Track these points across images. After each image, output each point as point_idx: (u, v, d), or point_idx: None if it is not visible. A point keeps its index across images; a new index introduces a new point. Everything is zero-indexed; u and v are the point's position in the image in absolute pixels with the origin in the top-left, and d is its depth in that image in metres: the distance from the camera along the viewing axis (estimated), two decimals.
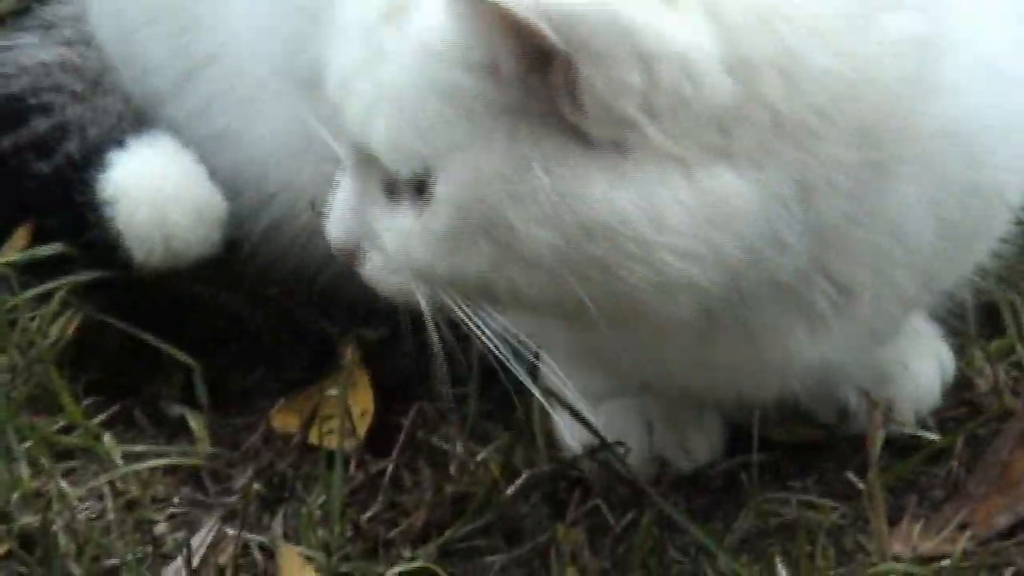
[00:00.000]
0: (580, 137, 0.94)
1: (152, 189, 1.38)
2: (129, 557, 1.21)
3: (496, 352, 1.10)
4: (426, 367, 1.28)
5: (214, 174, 1.38)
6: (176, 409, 1.41)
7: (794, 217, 0.99)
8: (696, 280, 0.99)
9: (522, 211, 0.95)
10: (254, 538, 1.25)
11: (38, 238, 1.41)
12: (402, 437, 1.30)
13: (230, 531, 1.26)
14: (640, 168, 0.95)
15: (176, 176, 1.39)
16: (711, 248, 0.98)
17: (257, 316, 1.44)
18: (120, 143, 1.40)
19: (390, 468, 1.30)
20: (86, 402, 1.38)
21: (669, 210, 0.95)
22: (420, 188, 0.98)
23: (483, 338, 1.09)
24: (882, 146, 1.02)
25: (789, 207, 0.99)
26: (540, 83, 0.92)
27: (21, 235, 1.41)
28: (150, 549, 1.24)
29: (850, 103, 0.98)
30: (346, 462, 1.29)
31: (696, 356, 1.12)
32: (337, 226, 1.05)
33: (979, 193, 1.12)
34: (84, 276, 1.40)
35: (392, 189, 1.00)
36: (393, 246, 1.02)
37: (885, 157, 1.02)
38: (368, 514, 1.26)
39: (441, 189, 0.96)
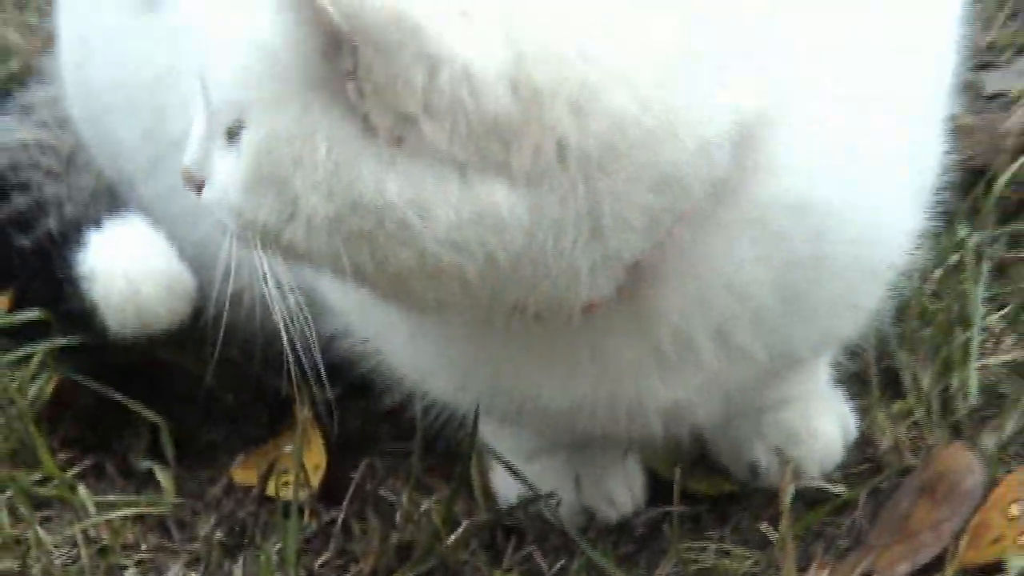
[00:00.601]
0: (362, 120, 0.97)
1: (126, 267, 1.42)
2: None
3: (281, 313, 1.13)
4: (375, 425, 1.38)
5: (182, 250, 1.42)
6: (144, 463, 1.45)
7: (581, 245, 1.01)
8: (463, 273, 1.03)
9: (303, 176, 0.98)
10: None
11: (19, 304, 1.47)
12: (352, 489, 1.34)
13: None
14: (413, 161, 0.97)
15: (148, 254, 1.44)
16: (480, 248, 1.01)
17: (219, 377, 1.46)
18: (96, 222, 1.45)
19: (341, 518, 1.33)
20: (62, 456, 1.44)
21: (438, 205, 0.98)
22: (237, 135, 1.02)
23: (271, 295, 1.13)
24: (692, 200, 1.02)
25: (570, 234, 1.01)
26: (332, 63, 0.95)
27: (2, 301, 1.48)
28: None
29: (648, 151, 0.99)
30: (300, 512, 1.33)
31: (566, 388, 1.15)
32: (188, 154, 1.09)
33: (829, 267, 1.14)
34: (61, 340, 1.45)
35: (230, 132, 1.03)
36: (217, 184, 1.05)
37: (703, 214, 1.04)
38: (321, 560, 1.31)
39: (245, 139, 1.00)
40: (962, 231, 1.53)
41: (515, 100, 0.95)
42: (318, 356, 1.19)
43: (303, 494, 1.37)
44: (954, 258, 1.50)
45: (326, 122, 0.98)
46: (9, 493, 1.41)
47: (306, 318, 1.18)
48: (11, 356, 1.48)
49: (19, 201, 1.52)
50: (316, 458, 1.43)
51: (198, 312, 1.41)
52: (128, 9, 1.44)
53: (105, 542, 1.36)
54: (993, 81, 1.79)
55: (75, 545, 1.35)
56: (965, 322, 1.44)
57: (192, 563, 1.36)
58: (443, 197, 0.97)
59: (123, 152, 1.51)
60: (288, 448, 1.43)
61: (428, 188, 0.97)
